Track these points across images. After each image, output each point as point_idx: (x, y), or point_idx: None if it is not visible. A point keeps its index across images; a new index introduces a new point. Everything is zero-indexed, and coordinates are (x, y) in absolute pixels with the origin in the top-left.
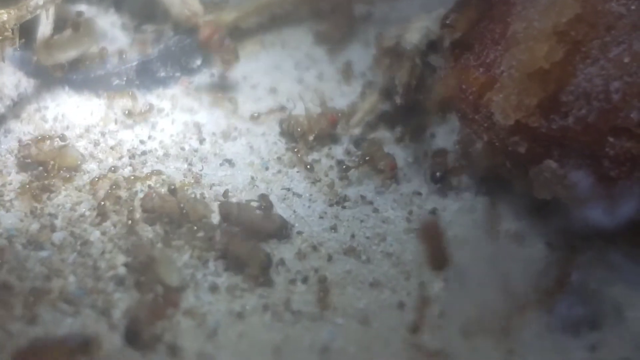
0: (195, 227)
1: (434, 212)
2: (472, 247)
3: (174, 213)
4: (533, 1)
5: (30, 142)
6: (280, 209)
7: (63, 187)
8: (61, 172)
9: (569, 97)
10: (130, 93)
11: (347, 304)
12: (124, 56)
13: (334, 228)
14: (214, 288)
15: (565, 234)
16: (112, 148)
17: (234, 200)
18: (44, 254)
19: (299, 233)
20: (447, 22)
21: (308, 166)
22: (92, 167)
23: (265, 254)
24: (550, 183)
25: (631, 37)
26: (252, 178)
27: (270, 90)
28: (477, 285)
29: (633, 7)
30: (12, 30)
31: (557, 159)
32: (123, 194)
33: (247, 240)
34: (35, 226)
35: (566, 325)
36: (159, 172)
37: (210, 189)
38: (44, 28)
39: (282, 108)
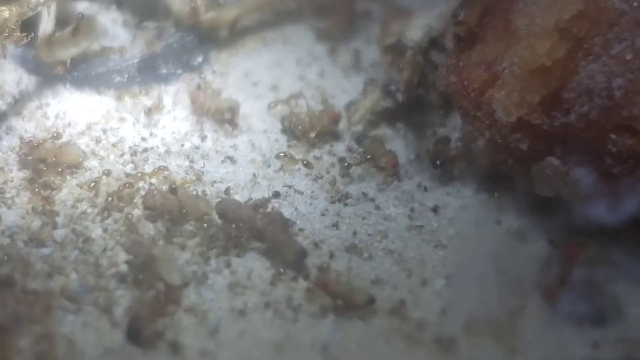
0: (196, 225)
1: (435, 209)
2: (474, 244)
3: (175, 210)
4: None
5: (31, 139)
6: (281, 207)
7: (64, 184)
8: (62, 169)
9: (571, 94)
10: (140, 90)
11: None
12: (125, 53)
13: (335, 225)
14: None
15: (567, 231)
16: (113, 145)
17: (236, 197)
18: (45, 251)
19: (301, 230)
20: (459, 18)
21: (305, 162)
22: (93, 165)
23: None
24: (552, 180)
25: (633, 34)
26: (254, 175)
27: (272, 87)
28: (479, 282)
29: (635, 4)
30: (15, 27)
31: (559, 156)
32: (125, 191)
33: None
34: (36, 223)
35: (568, 323)
36: (161, 170)
37: (212, 186)
38: (46, 25)
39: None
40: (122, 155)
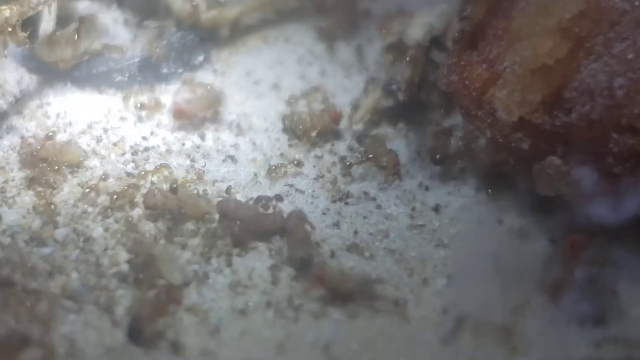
0: (197, 224)
1: (436, 208)
2: (475, 244)
3: (176, 210)
4: None
5: (32, 138)
6: (282, 206)
7: (65, 184)
8: (64, 168)
9: (573, 93)
10: (141, 90)
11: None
12: (126, 52)
13: (336, 224)
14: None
15: (568, 230)
16: (114, 144)
17: (237, 196)
18: (46, 250)
19: None
20: (465, 14)
21: (295, 162)
22: (94, 164)
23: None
24: (553, 179)
25: (635, 33)
26: (255, 174)
27: (273, 86)
28: (480, 281)
29: (637, 3)
30: (17, 26)
31: (561, 155)
32: (126, 190)
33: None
34: (37, 223)
35: (570, 322)
36: (162, 167)
37: (213, 185)
38: (46, 24)
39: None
40: (123, 154)
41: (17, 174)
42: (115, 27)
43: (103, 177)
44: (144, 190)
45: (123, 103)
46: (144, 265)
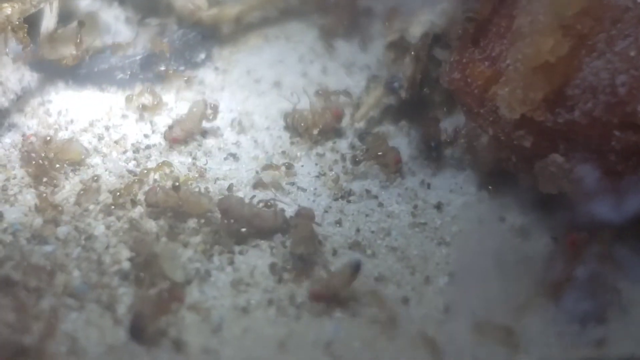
0: (199, 222)
1: (438, 206)
2: (477, 242)
3: (178, 208)
4: None
5: (34, 136)
6: (285, 204)
7: (67, 181)
8: (65, 166)
9: (575, 90)
10: (142, 87)
11: (351, 298)
12: (128, 50)
13: (338, 222)
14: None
15: (570, 228)
16: (116, 142)
17: (239, 194)
18: (48, 248)
19: None
20: (471, 14)
21: (286, 165)
22: (96, 162)
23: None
24: (556, 177)
25: (637, 30)
26: (257, 172)
27: (274, 84)
28: (482, 279)
29: (639, 1)
30: (18, 24)
31: (563, 153)
32: (127, 188)
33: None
34: (39, 221)
35: (572, 321)
36: (164, 164)
37: (215, 183)
38: (48, 22)
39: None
40: (124, 152)
41: (19, 172)
42: (117, 24)
43: (104, 174)
44: (145, 188)
45: (124, 101)
46: (145, 263)
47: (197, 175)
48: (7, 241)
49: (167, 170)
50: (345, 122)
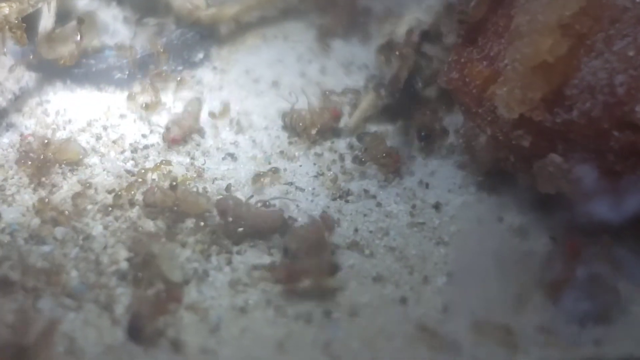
0: (197, 222)
1: (437, 206)
2: (476, 242)
3: (175, 208)
4: None
5: (32, 136)
6: (283, 204)
7: (65, 181)
8: (63, 166)
9: (573, 90)
10: (140, 87)
11: (350, 298)
12: (126, 50)
13: (337, 222)
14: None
15: (569, 228)
16: (114, 142)
17: (237, 194)
18: (46, 248)
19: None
20: (462, 17)
21: (272, 169)
22: (94, 161)
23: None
24: (554, 177)
25: (636, 30)
26: (255, 172)
27: (273, 84)
28: (481, 279)
29: (638, 0)
30: (17, 23)
31: (562, 152)
32: (126, 188)
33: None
34: (37, 220)
35: (571, 320)
36: (163, 163)
37: (213, 183)
38: (46, 21)
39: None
40: (122, 152)
41: (17, 172)
42: (115, 24)
43: (102, 174)
44: (143, 188)
45: (122, 101)
46: (143, 263)
47: (195, 175)
48: (5, 241)
49: (165, 170)
50: (343, 122)
